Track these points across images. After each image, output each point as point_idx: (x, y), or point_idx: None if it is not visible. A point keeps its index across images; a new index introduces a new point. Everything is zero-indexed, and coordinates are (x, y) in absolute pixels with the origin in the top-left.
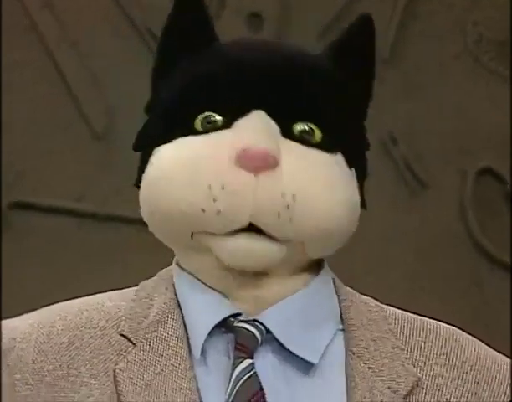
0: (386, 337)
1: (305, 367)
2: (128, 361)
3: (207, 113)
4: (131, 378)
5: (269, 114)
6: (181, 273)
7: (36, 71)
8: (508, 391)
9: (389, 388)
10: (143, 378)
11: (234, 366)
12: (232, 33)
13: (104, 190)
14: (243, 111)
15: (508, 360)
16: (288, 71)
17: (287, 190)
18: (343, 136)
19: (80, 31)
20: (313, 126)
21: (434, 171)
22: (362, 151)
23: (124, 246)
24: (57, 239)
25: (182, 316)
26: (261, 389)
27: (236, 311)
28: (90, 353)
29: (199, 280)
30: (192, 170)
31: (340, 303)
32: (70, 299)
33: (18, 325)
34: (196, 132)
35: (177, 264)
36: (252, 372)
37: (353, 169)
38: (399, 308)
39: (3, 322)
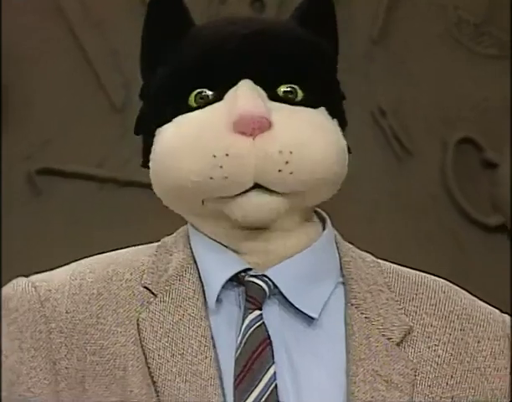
0: (382, 290)
1: (307, 319)
2: (150, 311)
3: (198, 90)
4: (153, 326)
5: (255, 81)
6: (195, 233)
7: (60, 48)
8: (491, 336)
9: (383, 335)
10: (163, 327)
11: (245, 316)
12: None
13: (123, 157)
14: (231, 83)
15: (491, 309)
16: (265, 40)
17: (283, 148)
18: (322, 91)
19: (101, 10)
20: (295, 87)
21: (418, 140)
22: (340, 102)
23: (140, 208)
24: (80, 202)
25: (198, 271)
26: (268, 337)
27: (246, 267)
28: (116, 303)
29: (212, 239)
30: (195, 143)
31: (340, 259)
32: (92, 255)
33: (53, 278)
34: (191, 109)
35: (192, 225)
36: (260, 322)
37: (335, 119)
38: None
39: (39, 275)
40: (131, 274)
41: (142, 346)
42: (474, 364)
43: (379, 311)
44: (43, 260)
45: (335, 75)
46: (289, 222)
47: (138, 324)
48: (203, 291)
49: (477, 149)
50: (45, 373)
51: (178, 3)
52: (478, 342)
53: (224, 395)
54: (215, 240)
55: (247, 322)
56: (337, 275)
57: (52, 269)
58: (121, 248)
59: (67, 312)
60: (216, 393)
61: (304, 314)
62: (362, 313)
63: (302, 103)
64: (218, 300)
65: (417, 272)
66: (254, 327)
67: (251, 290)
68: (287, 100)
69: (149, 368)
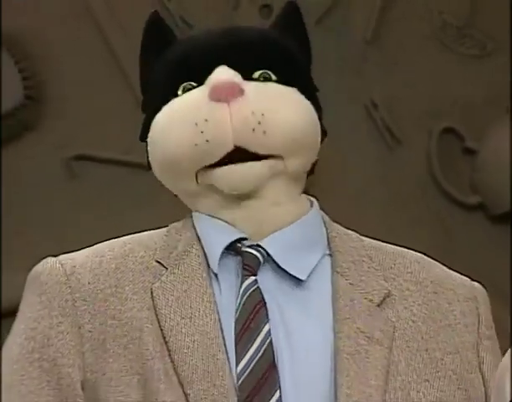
0: (364, 260)
1: (297, 282)
2: (162, 281)
3: (184, 84)
4: (164, 294)
5: (232, 68)
6: (197, 215)
7: (91, 49)
8: (461, 298)
9: (365, 298)
10: (173, 294)
11: (242, 281)
12: (248, 20)
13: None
14: (210, 72)
15: (462, 277)
16: (239, 35)
17: (256, 110)
18: (295, 76)
19: (127, 14)
20: (268, 71)
21: (407, 130)
22: (313, 92)
23: (164, 190)
24: (110, 185)
25: (202, 247)
26: (263, 299)
27: (242, 236)
28: (132, 275)
29: (211, 216)
30: (179, 116)
31: (327, 234)
32: (120, 235)
33: (77, 256)
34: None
35: (195, 210)
36: (255, 286)
37: (309, 103)
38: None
39: (65, 255)
40: (145, 251)
41: (156, 311)
42: (446, 322)
43: (361, 278)
44: (77, 236)
45: (307, 71)
46: (277, 192)
47: (152, 293)
48: (207, 263)
49: (458, 138)
50: (71, 336)
51: (161, 26)
52: (449, 303)
53: (227, 351)
54: (213, 217)
55: (244, 286)
56: (324, 248)
57: (83, 247)
58: (146, 227)
59: (89, 284)
60: (220, 349)
61: (295, 278)
62: (346, 279)
63: (276, 81)
64: (219, 269)
65: (396, 247)
66: (250, 290)
67: (247, 259)
68: (262, 80)
69: (162, 329)
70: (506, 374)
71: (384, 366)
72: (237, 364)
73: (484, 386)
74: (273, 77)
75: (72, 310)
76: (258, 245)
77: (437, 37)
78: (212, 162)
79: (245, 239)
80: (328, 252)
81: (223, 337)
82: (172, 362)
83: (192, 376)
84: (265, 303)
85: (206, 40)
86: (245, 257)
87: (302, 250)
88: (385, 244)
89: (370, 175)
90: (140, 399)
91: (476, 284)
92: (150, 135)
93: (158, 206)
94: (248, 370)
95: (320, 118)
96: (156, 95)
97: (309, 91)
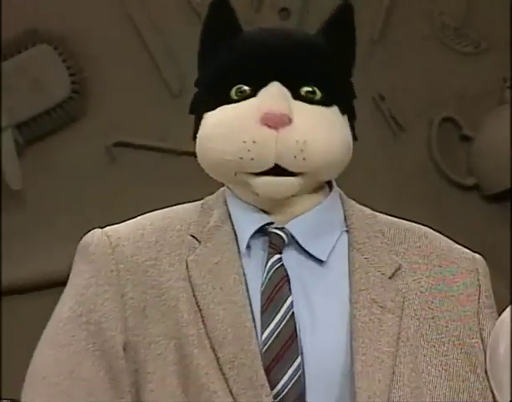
0: (377, 236)
1: (318, 261)
2: (196, 254)
3: (238, 85)
4: (198, 267)
5: (282, 83)
6: (230, 194)
7: (129, 48)
8: (463, 271)
9: (379, 271)
10: (206, 266)
11: (268, 259)
12: (268, 22)
13: (179, 132)
14: (263, 82)
15: (464, 250)
16: (294, 50)
17: (299, 138)
18: (336, 92)
19: (161, 16)
20: (315, 88)
21: (410, 119)
22: (351, 100)
23: (193, 173)
24: (146, 168)
25: (232, 224)
26: (286, 274)
27: (270, 221)
28: (170, 249)
29: (243, 200)
30: (230, 130)
31: (344, 212)
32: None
33: (122, 229)
34: (231, 100)
35: (228, 188)
36: (280, 263)
37: (345, 116)
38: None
39: (111, 226)
40: (181, 225)
41: (190, 281)
42: (450, 292)
43: (375, 253)
44: (117, 213)
45: (349, 78)
46: (306, 191)
47: (187, 264)
48: (236, 239)
49: (456, 126)
50: (115, 303)
51: (231, 12)
52: (453, 275)
53: (254, 320)
54: (245, 201)
55: (270, 263)
56: (342, 225)
57: (123, 220)
58: (177, 204)
59: (132, 256)
60: (247, 318)
61: (315, 258)
62: (362, 254)
63: (319, 101)
64: (248, 246)
65: (406, 222)
66: (276, 267)
67: (273, 239)
68: (308, 98)
69: (195, 298)
70: (500, 335)
71: (395, 333)
72: (262, 332)
73: (484, 350)
74: (318, 94)
75: (116, 280)
76: (284, 228)
77: (436, 36)
78: (253, 172)
79: (272, 223)
80: (345, 229)
81: (251, 307)
82: (205, 328)
83: (223, 341)
84: (288, 278)
85: (263, 46)
86: (272, 237)
87: (322, 232)
88: (396, 219)
89: (377, 158)
90: (176, 361)
91: (477, 256)
92: (200, 134)
93: (189, 187)
94: (273, 337)
95: (352, 122)
96: (209, 93)
97: (348, 103)
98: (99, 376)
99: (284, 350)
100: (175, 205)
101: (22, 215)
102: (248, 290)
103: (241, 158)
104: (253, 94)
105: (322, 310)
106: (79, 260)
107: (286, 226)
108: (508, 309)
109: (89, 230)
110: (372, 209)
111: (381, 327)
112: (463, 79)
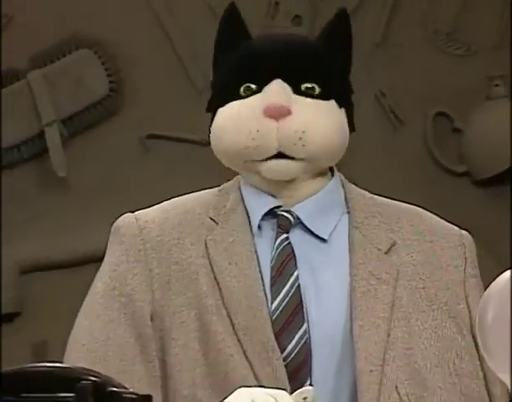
0: (375, 216)
1: (321, 240)
2: (214, 234)
3: (246, 84)
4: (216, 245)
5: (284, 80)
6: (244, 181)
7: (159, 49)
8: (451, 245)
9: (375, 247)
10: (222, 245)
11: (277, 238)
12: (283, 28)
13: (204, 125)
14: (268, 80)
15: (452, 226)
16: (294, 51)
17: (298, 128)
18: (334, 87)
19: (188, 20)
20: (314, 84)
21: (408, 113)
22: (349, 95)
23: (215, 163)
24: (175, 158)
25: (245, 208)
26: (293, 251)
27: (278, 204)
28: (191, 229)
29: (254, 186)
30: (238, 121)
31: (345, 195)
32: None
33: (149, 213)
34: (240, 97)
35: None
36: (287, 241)
37: (343, 109)
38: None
39: (140, 211)
40: (201, 209)
41: (209, 258)
42: (439, 265)
43: (373, 231)
44: (149, 197)
45: (347, 76)
46: (309, 176)
47: (206, 244)
48: (249, 221)
49: (448, 120)
50: (143, 277)
51: (238, 23)
52: (442, 249)
53: (264, 291)
54: (256, 187)
55: (278, 241)
56: (343, 207)
57: (154, 204)
58: (201, 190)
59: (157, 236)
60: (259, 289)
61: (319, 237)
62: (361, 232)
63: (318, 96)
64: (259, 227)
65: (402, 203)
66: (283, 245)
67: (281, 220)
68: (307, 93)
69: (213, 273)
70: (488, 305)
71: (390, 301)
72: (272, 302)
73: (470, 316)
74: (317, 89)
75: (144, 257)
76: (290, 210)
77: (431, 41)
78: (258, 159)
79: (280, 206)
80: (347, 210)
81: (262, 280)
82: (222, 299)
83: (238, 310)
84: (295, 255)
85: (266, 49)
86: (280, 219)
87: (325, 213)
88: (392, 201)
89: (378, 148)
90: (197, 328)
91: (464, 232)
92: (213, 127)
93: (212, 174)
94: (281, 307)
95: (351, 115)
96: (221, 92)
97: (345, 97)
98: (130, 342)
99: (291, 318)
100: (199, 190)
101: (66, 198)
102: (259, 265)
103: (247, 146)
104: (259, 90)
105: (325, 282)
106: (112, 240)
107: (292, 209)
108: (495, 280)
109: (122, 214)
110: (372, 193)
111: (377, 296)
112: (455, 78)
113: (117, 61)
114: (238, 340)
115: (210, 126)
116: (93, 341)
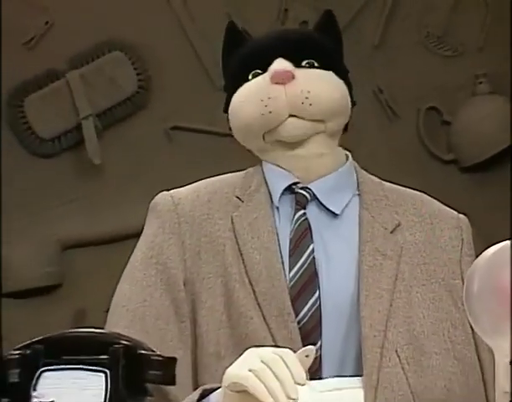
0: (382, 199)
1: (334, 215)
2: (239, 211)
3: (254, 71)
4: (241, 221)
5: (285, 58)
6: (265, 163)
7: (181, 51)
8: (450, 227)
9: (382, 227)
10: (247, 221)
11: (294, 213)
12: None
13: (222, 118)
14: (271, 61)
15: (451, 210)
16: (292, 34)
17: (303, 89)
18: (332, 63)
19: (207, 25)
20: (312, 60)
21: (403, 108)
22: (346, 75)
23: (233, 151)
24: (197, 147)
25: (268, 188)
26: (309, 226)
27: (296, 180)
28: (219, 206)
29: (274, 165)
30: (250, 94)
31: (357, 179)
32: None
33: (182, 191)
34: (249, 81)
35: (264, 160)
36: (304, 217)
37: (342, 81)
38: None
39: (175, 190)
40: (228, 189)
41: (234, 232)
42: (438, 244)
43: (380, 212)
44: (174, 181)
45: (341, 59)
46: (319, 145)
47: (232, 219)
48: (271, 200)
49: (438, 114)
50: (177, 248)
51: (238, 34)
52: (441, 230)
53: (283, 262)
54: (276, 165)
55: (296, 217)
56: (355, 189)
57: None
58: (222, 174)
59: (190, 211)
60: (278, 260)
61: (332, 212)
62: (369, 213)
63: (318, 68)
64: (279, 205)
65: (406, 188)
66: (301, 220)
67: (299, 197)
68: (309, 67)
69: (238, 245)
70: (475, 274)
71: (393, 275)
72: (289, 272)
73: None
74: (316, 64)
75: (178, 229)
76: (307, 188)
77: (423, 43)
78: (274, 126)
79: (298, 183)
80: (357, 192)
81: (280, 252)
82: (245, 268)
83: (259, 278)
84: (311, 229)
85: (267, 40)
86: (298, 196)
87: (338, 192)
88: (398, 186)
89: (376, 139)
90: (222, 293)
91: (461, 216)
92: (230, 108)
93: (230, 161)
94: (297, 276)
95: (350, 92)
96: (233, 80)
97: (342, 73)
98: (165, 304)
99: (305, 286)
100: (217, 175)
101: (101, 183)
102: (278, 238)
103: (262, 114)
104: (264, 72)
105: (336, 256)
106: (150, 215)
107: (310, 186)
108: (481, 255)
109: (157, 193)
110: (378, 177)
111: (382, 270)
112: (444, 77)
113: (145, 62)
114: (258, 305)
115: (225, 109)
116: (132, 303)
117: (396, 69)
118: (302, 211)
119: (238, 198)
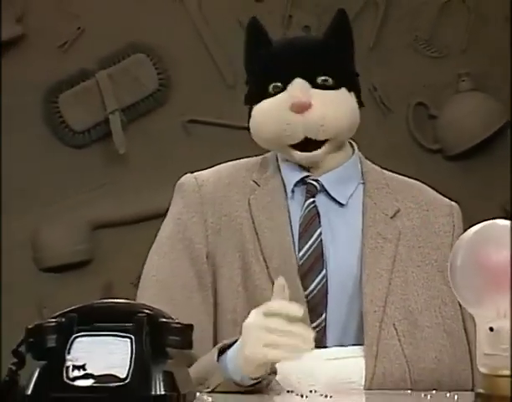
0: (383, 187)
1: (340, 205)
2: (255, 194)
3: (273, 84)
4: (256, 203)
5: (304, 78)
6: (280, 155)
7: (196, 53)
8: (443, 214)
9: (383, 213)
10: (262, 203)
11: (305, 201)
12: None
13: (234, 113)
14: (290, 78)
15: (444, 198)
16: (308, 51)
17: (319, 115)
18: (344, 77)
19: (220, 29)
20: (327, 77)
21: (395, 103)
22: (356, 79)
23: (244, 143)
24: (212, 138)
25: (281, 176)
26: (317, 212)
27: (307, 174)
28: (237, 188)
29: (287, 160)
30: (271, 117)
31: (362, 169)
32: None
33: (205, 174)
34: (270, 95)
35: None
36: (313, 204)
37: (352, 93)
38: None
39: (198, 172)
40: (246, 173)
41: (251, 213)
42: (433, 229)
43: (381, 200)
44: (191, 168)
45: (353, 65)
46: (331, 150)
47: (249, 201)
48: (284, 186)
49: (426, 108)
50: (200, 226)
51: (260, 31)
52: (436, 217)
53: (294, 242)
54: (290, 161)
55: (306, 204)
56: (359, 179)
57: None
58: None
59: (212, 193)
60: (289, 241)
61: (338, 202)
62: (372, 200)
63: (331, 87)
64: (292, 192)
65: (406, 177)
66: (310, 207)
67: (309, 187)
68: (323, 85)
69: (254, 224)
70: (457, 252)
71: (392, 256)
72: (299, 251)
73: None
74: (330, 80)
75: (201, 209)
76: (317, 180)
77: (412, 46)
78: (290, 144)
79: (309, 176)
80: (362, 181)
81: (292, 234)
82: (260, 245)
83: (272, 255)
84: (319, 215)
85: (287, 53)
86: (308, 186)
87: (344, 183)
88: (398, 175)
89: (371, 131)
90: (240, 267)
91: (454, 203)
92: (252, 121)
93: (242, 151)
94: (306, 255)
95: (359, 95)
96: (254, 91)
97: (353, 83)
98: (190, 275)
99: (313, 264)
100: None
101: (126, 171)
102: (290, 221)
103: (281, 136)
104: (284, 88)
105: (341, 239)
106: (176, 195)
107: (319, 178)
108: (464, 233)
109: (180, 177)
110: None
111: (382, 252)
112: (431, 76)
113: (165, 63)
114: (271, 279)
115: (249, 117)
116: (161, 273)
117: (389, 68)
118: (312, 199)
119: (254, 182)
